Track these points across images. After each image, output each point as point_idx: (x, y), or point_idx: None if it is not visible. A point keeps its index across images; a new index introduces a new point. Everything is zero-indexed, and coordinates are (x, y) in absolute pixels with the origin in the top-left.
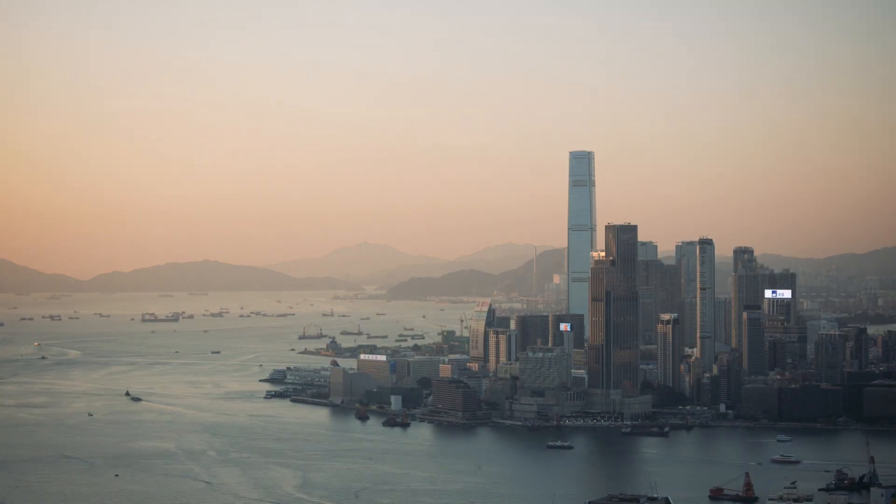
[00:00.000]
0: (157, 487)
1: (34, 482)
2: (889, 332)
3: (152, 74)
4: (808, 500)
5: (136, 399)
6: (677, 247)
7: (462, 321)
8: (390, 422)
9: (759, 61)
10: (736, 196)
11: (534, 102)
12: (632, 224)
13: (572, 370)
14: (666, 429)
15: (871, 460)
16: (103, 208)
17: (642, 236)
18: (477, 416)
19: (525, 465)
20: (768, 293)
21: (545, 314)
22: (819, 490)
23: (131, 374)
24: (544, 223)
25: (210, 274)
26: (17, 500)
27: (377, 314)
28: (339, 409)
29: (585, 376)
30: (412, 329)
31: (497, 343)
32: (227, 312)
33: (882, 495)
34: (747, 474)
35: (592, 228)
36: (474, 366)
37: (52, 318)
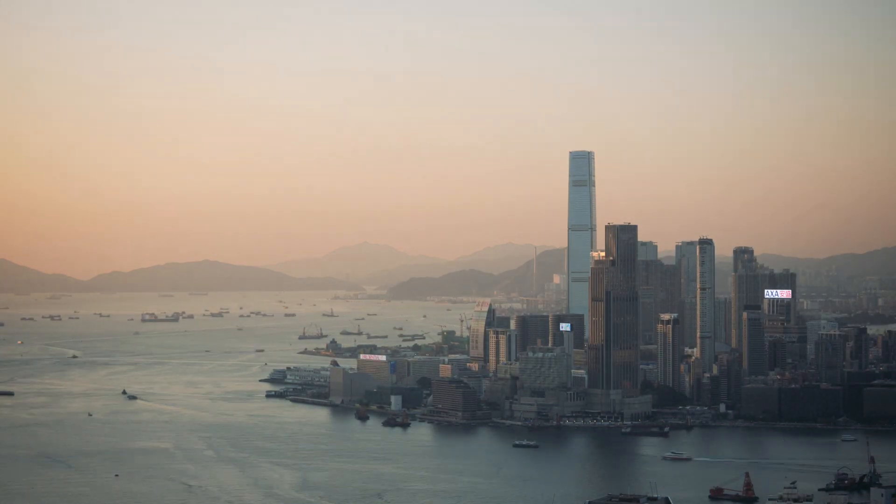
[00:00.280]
0: (157, 487)
1: (34, 482)
2: (889, 332)
3: (152, 75)
4: (808, 500)
5: (132, 398)
6: (677, 247)
7: (462, 321)
8: (390, 422)
9: (758, 61)
10: (736, 196)
11: (534, 102)
12: (632, 224)
13: (572, 370)
14: (666, 429)
15: (872, 460)
16: (103, 208)
17: (642, 236)
18: (477, 417)
19: (495, 465)
20: (768, 293)
21: (545, 314)
22: (819, 490)
23: (131, 374)
24: (544, 223)
25: (210, 274)
26: (16, 500)
27: (369, 314)
28: (339, 409)
29: (585, 376)
30: (401, 329)
31: (497, 343)
32: (227, 312)
33: (882, 495)
34: (747, 474)
35: (592, 228)
36: (474, 366)
37: (52, 318)
